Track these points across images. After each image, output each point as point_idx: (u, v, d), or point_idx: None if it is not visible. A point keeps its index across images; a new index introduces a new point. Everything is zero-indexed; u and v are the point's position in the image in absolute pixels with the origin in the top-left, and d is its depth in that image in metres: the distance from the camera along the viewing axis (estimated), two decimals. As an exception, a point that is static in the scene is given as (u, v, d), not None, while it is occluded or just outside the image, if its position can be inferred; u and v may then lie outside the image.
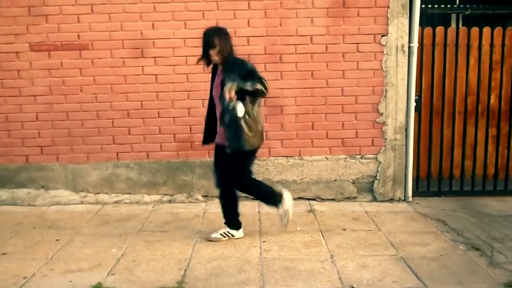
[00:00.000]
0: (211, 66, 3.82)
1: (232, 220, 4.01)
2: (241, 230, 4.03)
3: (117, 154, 4.97)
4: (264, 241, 3.95)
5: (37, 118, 4.90)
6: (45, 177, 4.98)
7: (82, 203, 4.98)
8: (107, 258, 3.64)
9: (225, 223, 4.02)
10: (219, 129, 3.75)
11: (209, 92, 3.88)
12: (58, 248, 3.84)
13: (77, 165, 4.97)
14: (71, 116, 4.90)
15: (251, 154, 3.79)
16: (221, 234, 3.96)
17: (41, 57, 4.81)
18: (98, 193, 5.01)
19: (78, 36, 4.79)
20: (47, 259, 3.63)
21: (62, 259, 3.63)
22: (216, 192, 4.95)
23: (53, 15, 4.75)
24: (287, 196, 3.90)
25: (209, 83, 4.79)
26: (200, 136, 4.85)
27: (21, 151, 4.94)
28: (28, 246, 3.89)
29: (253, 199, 4.40)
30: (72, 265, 3.53)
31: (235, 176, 3.80)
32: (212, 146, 3.97)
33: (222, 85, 3.53)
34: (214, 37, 3.61)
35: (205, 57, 3.69)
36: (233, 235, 3.98)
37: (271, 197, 3.91)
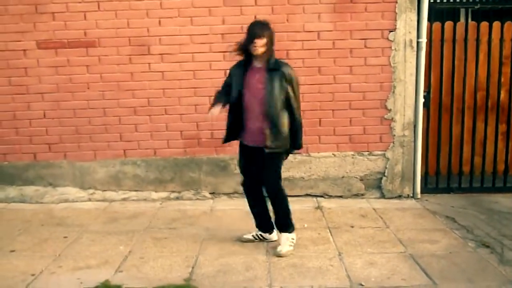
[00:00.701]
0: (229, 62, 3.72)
1: (264, 223, 3.84)
2: (274, 232, 3.85)
3: (124, 151, 4.97)
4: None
5: (44, 115, 4.91)
6: (52, 174, 4.99)
7: (90, 200, 4.99)
8: (114, 255, 3.65)
9: (256, 226, 3.86)
10: (253, 128, 3.55)
11: (224, 87, 3.69)
12: (66, 246, 3.85)
13: (85, 163, 4.98)
14: (78, 114, 4.90)
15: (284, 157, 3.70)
16: (253, 236, 3.86)
17: (48, 54, 4.82)
18: (106, 190, 5.01)
19: (85, 34, 4.79)
20: (55, 256, 3.64)
21: (70, 256, 3.64)
22: (223, 189, 4.99)
23: (60, 12, 4.75)
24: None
25: (216, 80, 4.78)
26: (207, 133, 4.89)
27: (29, 148, 4.96)
28: (36, 244, 3.90)
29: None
30: (80, 262, 3.54)
31: (273, 178, 3.63)
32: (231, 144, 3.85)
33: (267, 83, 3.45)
34: (265, 30, 3.45)
35: (245, 48, 3.48)
36: (265, 238, 3.86)
37: (289, 215, 3.72)
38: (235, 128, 3.65)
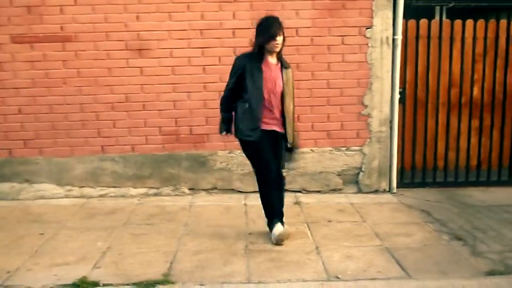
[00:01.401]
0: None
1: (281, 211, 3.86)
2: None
3: (102, 148, 4.93)
4: (250, 233, 3.97)
5: (20, 111, 4.83)
6: (29, 170, 4.92)
7: (67, 196, 4.94)
8: (92, 251, 3.62)
9: (274, 217, 3.79)
10: (272, 117, 3.64)
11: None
12: (43, 242, 3.81)
13: (62, 159, 4.92)
14: (55, 109, 4.84)
15: None
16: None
17: (24, 49, 4.74)
18: (83, 186, 4.97)
19: (61, 28, 4.73)
20: (31, 253, 3.60)
21: (47, 253, 3.60)
22: (202, 184, 4.99)
23: (36, 6, 4.68)
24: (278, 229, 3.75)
25: (195, 75, 4.79)
26: (186, 129, 4.89)
27: (4, 144, 4.87)
28: (12, 241, 3.85)
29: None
30: (57, 258, 3.50)
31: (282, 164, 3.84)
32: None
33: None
34: (282, 27, 3.57)
35: (263, 44, 3.56)
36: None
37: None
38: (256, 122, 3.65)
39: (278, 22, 3.58)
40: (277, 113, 3.65)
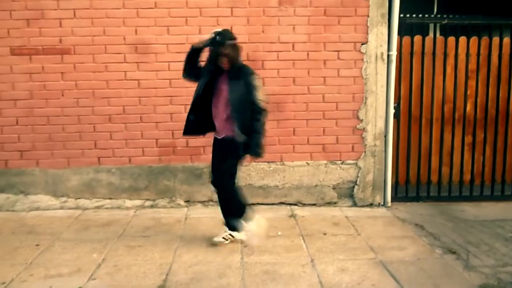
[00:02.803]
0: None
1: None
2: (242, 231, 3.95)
3: (99, 159, 4.95)
4: (245, 246, 3.98)
5: (17, 122, 4.85)
6: (24, 182, 4.92)
7: (62, 208, 4.93)
8: (87, 263, 3.63)
9: (225, 224, 4.00)
10: (222, 123, 3.78)
11: (196, 91, 3.84)
12: (38, 254, 3.80)
13: (58, 170, 4.93)
14: (52, 121, 4.87)
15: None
16: (223, 238, 3.95)
17: (22, 61, 4.78)
18: (79, 198, 4.97)
19: (60, 41, 4.78)
20: (26, 265, 3.59)
21: (41, 265, 3.60)
22: (198, 197, 5.01)
23: (35, 19, 4.73)
24: (255, 224, 3.88)
25: (192, 89, 4.83)
26: (183, 141, 4.93)
27: (0, 155, 4.88)
28: (7, 252, 3.84)
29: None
30: (51, 270, 3.50)
31: (227, 173, 3.81)
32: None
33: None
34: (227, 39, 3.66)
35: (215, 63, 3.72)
36: (233, 236, 3.97)
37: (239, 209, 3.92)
38: (198, 124, 3.89)
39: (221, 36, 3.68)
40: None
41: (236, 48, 3.71)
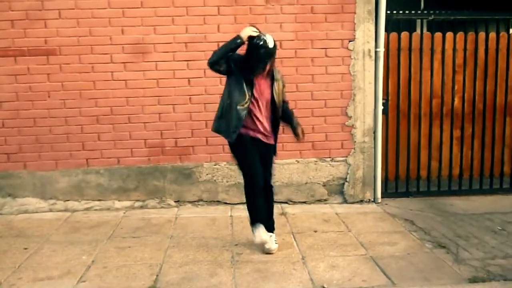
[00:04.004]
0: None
1: (266, 222, 3.82)
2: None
3: (87, 161, 4.91)
4: (236, 245, 3.97)
5: (3, 125, 4.79)
6: (12, 185, 4.87)
7: (51, 210, 4.89)
8: (77, 265, 3.59)
9: (270, 230, 3.83)
10: (266, 127, 3.71)
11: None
12: (26, 257, 3.76)
13: (46, 172, 4.88)
14: (39, 123, 4.81)
15: None
16: (276, 243, 3.82)
17: (7, 62, 4.72)
18: (68, 200, 4.93)
19: (45, 41, 4.72)
20: (14, 268, 3.55)
21: (30, 268, 3.56)
22: (188, 197, 4.99)
23: (19, 20, 4.67)
24: (258, 234, 3.69)
25: (180, 88, 4.83)
26: (171, 141, 4.90)
27: (-14, 159, 4.83)
28: (-5, 256, 3.80)
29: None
30: (41, 273, 3.46)
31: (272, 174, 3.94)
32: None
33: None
34: (275, 51, 3.63)
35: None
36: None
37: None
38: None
39: (273, 47, 3.62)
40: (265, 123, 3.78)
41: None
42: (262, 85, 3.66)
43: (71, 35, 4.73)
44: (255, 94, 3.62)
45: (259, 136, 3.70)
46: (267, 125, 3.72)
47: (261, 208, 3.75)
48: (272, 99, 3.68)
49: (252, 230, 3.73)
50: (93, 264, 3.62)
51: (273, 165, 3.96)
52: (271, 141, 3.79)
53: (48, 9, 4.68)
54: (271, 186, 3.92)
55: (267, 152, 3.79)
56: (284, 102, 3.85)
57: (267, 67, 3.60)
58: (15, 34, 4.69)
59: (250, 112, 3.62)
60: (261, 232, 3.66)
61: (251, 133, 3.66)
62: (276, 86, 3.69)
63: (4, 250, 3.90)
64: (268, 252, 3.74)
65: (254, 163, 3.67)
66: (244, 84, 3.57)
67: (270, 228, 3.83)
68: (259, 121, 3.67)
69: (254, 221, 3.72)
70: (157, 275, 3.41)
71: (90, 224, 4.54)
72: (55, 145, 4.85)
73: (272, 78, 3.69)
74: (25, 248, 3.94)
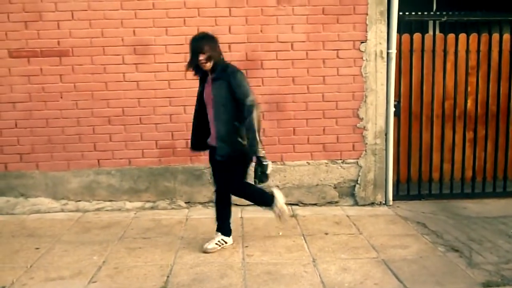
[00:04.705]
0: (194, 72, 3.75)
1: (226, 226, 3.96)
2: (231, 236, 3.98)
3: (98, 161, 4.93)
4: (246, 246, 3.96)
5: (16, 125, 4.84)
6: (24, 185, 4.91)
7: (62, 210, 4.92)
8: (88, 265, 3.61)
9: (217, 230, 3.94)
10: (212, 136, 3.72)
11: (195, 97, 3.81)
12: (38, 257, 3.79)
13: (58, 173, 4.92)
14: (51, 123, 4.85)
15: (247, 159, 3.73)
16: (216, 244, 3.88)
17: (21, 63, 4.76)
18: (79, 200, 4.96)
19: (58, 43, 4.76)
20: (26, 268, 3.57)
21: (42, 268, 3.58)
22: (198, 198, 5.00)
23: (33, 21, 4.71)
24: (278, 195, 3.84)
25: (191, 89, 4.82)
26: (183, 142, 4.91)
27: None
28: (7, 255, 3.82)
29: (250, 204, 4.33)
30: (52, 273, 3.48)
31: (224, 183, 3.81)
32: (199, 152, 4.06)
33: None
34: (204, 43, 3.54)
35: (194, 64, 3.60)
36: (226, 242, 3.92)
37: (263, 197, 3.86)
38: (200, 136, 3.83)
39: (197, 40, 3.57)
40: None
41: (216, 45, 3.61)
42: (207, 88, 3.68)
43: (83, 36, 4.76)
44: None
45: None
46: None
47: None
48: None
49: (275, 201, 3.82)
50: (104, 264, 3.63)
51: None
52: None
53: (61, 11, 4.71)
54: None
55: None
56: (240, 104, 3.54)
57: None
58: (28, 35, 4.74)
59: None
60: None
61: None
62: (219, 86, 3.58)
63: (16, 250, 3.93)
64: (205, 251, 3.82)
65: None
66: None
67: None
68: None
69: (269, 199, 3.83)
70: (167, 276, 3.41)
71: (101, 224, 4.56)
72: (67, 146, 4.88)
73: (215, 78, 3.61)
74: (37, 248, 3.96)
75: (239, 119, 3.54)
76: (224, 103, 3.56)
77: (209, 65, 3.56)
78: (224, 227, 3.94)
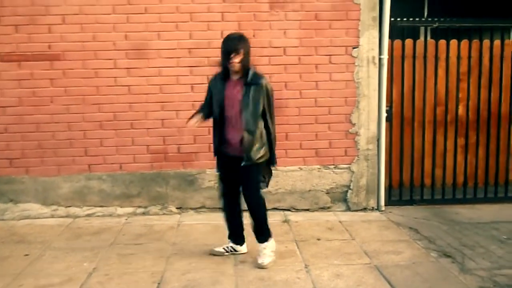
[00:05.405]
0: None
1: (238, 235, 3.88)
2: (244, 245, 3.90)
3: (89, 166, 4.88)
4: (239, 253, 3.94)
5: (6, 130, 4.78)
6: (14, 190, 4.85)
7: (53, 216, 4.86)
8: (78, 272, 3.56)
9: (228, 237, 3.89)
10: (234, 139, 3.57)
11: (205, 102, 3.73)
12: (28, 263, 3.73)
13: (48, 178, 4.86)
14: (42, 128, 4.80)
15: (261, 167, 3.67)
16: (224, 249, 3.85)
17: (11, 67, 4.71)
18: (70, 206, 4.90)
19: (49, 47, 4.72)
20: (15, 275, 3.52)
21: (31, 275, 3.53)
22: (191, 203, 4.96)
23: (24, 25, 4.67)
24: (273, 243, 3.75)
25: (184, 94, 4.81)
26: (174, 147, 4.88)
27: (-11, 164, 4.81)
28: (-4, 262, 3.77)
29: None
30: (42, 280, 3.43)
31: (252, 189, 3.65)
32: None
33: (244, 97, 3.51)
34: (241, 43, 3.46)
35: (223, 63, 3.51)
36: (236, 250, 3.87)
37: (267, 225, 3.74)
38: (220, 140, 3.65)
39: (231, 40, 3.50)
40: (239, 131, 3.53)
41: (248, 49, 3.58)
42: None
43: (75, 40, 4.73)
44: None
45: None
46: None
47: None
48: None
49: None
50: (94, 271, 3.59)
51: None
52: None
53: (52, 14, 4.68)
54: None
55: None
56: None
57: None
58: (19, 39, 4.69)
59: None
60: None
61: None
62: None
63: (5, 256, 3.87)
64: (260, 267, 3.64)
65: None
66: None
67: (257, 237, 3.78)
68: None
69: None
70: (159, 283, 3.38)
71: (92, 230, 4.51)
72: (58, 151, 4.83)
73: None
74: (26, 255, 3.91)
75: (264, 127, 3.59)
76: (258, 108, 3.51)
77: (239, 66, 3.48)
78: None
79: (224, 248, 3.86)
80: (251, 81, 3.51)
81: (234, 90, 3.54)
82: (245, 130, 3.50)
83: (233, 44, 3.46)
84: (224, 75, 3.58)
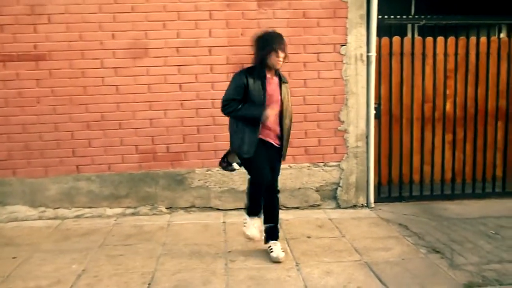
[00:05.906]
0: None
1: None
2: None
3: (77, 167, 4.84)
4: (229, 252, 3.93)
5: (-9, 131, 4.72)
6: (1, 192, 4.78)
7: (41, 218, 4.81)
8: (67, 274, 3.52)
9: (273, 237, 3.83)
10: (273, 128, 3.64)
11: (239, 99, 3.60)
12: (16, 266, 3.69)
13: (35, 179, 4.80)
14: (28, 129, 4.74)
15: None
16: (283, 251, 3.77)
17: (-4, 68, 4.66)
18: (58, 207, 4.85)
19: (35, 47, 4.66)
20: (3, 278, 3.47)
21: (19, 277, 3.48)
22: (180, 203, 4.94)
23: (9, 25, 4.61)
24: (256, 222, 3.71)
25: (172, 93, 4.78)
26: (163, 147, 4.86)
27: (-26, 166, 4.74)
28: (-17, 265, 3.72)
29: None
30: (30, 283, 3.39)
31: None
32: None
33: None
34: (284, 42, 3.55)
35: (271, 62, 3.53)
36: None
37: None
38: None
39: (281, 37, 3.57)
40: (276, 129, 3.65)
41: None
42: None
43: (61, 40, 4.68)
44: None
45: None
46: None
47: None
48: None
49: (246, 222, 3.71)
50: (83, 273, 3.55)
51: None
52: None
53: (37, 14, 4.62)
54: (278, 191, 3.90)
55: None
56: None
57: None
58: (4, 39, 4.63)
59: None
60: (255, 225, 3.69)
61: None
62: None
63: (-8, 259, 3.83)
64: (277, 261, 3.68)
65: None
66: None
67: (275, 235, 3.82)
68: None
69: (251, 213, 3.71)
70: (149, 284, 3.35)
71: (80, 232, 4.47)
72: (45, 152, 4.78)
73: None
74: (14, 257, 3.86)
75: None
76: (289, 106, 3.70)
77: (281, 64, 3.56)
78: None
79: (282, 250, 3.77)
80: (284, 80, 3.69)
81: (273, 87, 3.61)
82: (286, 127, 3.69)
83: (284, 42, 3.55)
84: (260, 72, 3.57)
